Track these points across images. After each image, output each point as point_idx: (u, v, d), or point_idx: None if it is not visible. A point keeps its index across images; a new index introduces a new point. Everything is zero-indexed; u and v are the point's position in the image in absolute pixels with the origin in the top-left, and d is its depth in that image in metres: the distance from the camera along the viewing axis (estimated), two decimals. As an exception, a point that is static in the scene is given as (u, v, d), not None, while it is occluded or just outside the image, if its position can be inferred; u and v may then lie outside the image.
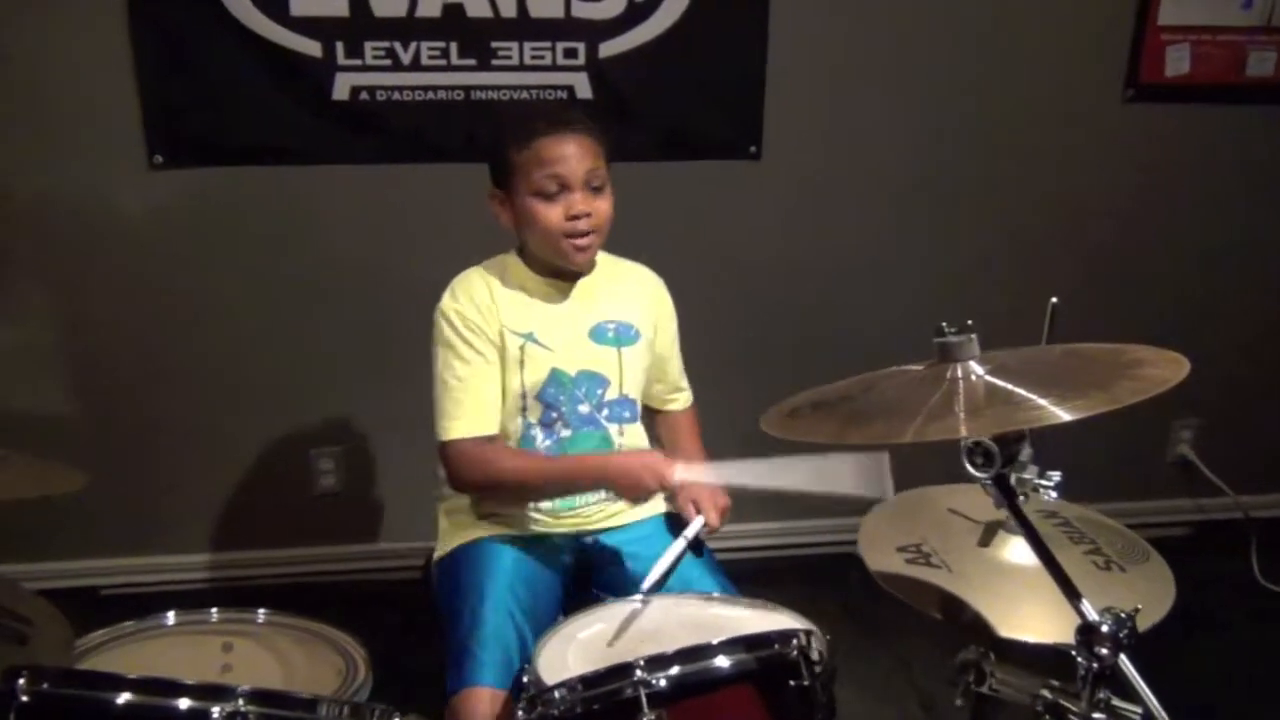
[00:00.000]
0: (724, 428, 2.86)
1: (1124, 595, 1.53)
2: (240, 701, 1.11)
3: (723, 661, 1.24)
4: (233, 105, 2.58)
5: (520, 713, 1.27)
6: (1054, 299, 1.57)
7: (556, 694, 1.24)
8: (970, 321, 1.27)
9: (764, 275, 2.88)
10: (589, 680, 1.24)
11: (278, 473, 2.88)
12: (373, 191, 2.69)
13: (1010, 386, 1.24)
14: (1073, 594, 1.26)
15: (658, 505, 2.05)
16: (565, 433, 1.89)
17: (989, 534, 1.67)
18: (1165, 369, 1.21)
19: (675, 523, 1.94)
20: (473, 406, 1.83)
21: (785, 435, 1.28)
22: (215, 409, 2.80)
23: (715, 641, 1.25)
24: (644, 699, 1.18)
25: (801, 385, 2.96)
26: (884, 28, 2.76)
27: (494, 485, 1.89)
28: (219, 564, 2.89)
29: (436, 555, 1.98)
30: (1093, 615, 1.24)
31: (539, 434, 1.89)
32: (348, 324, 2.76)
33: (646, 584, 1.68)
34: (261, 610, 1.73)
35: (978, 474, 1.29)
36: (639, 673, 1.20)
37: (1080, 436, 2.94)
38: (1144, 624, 1.45)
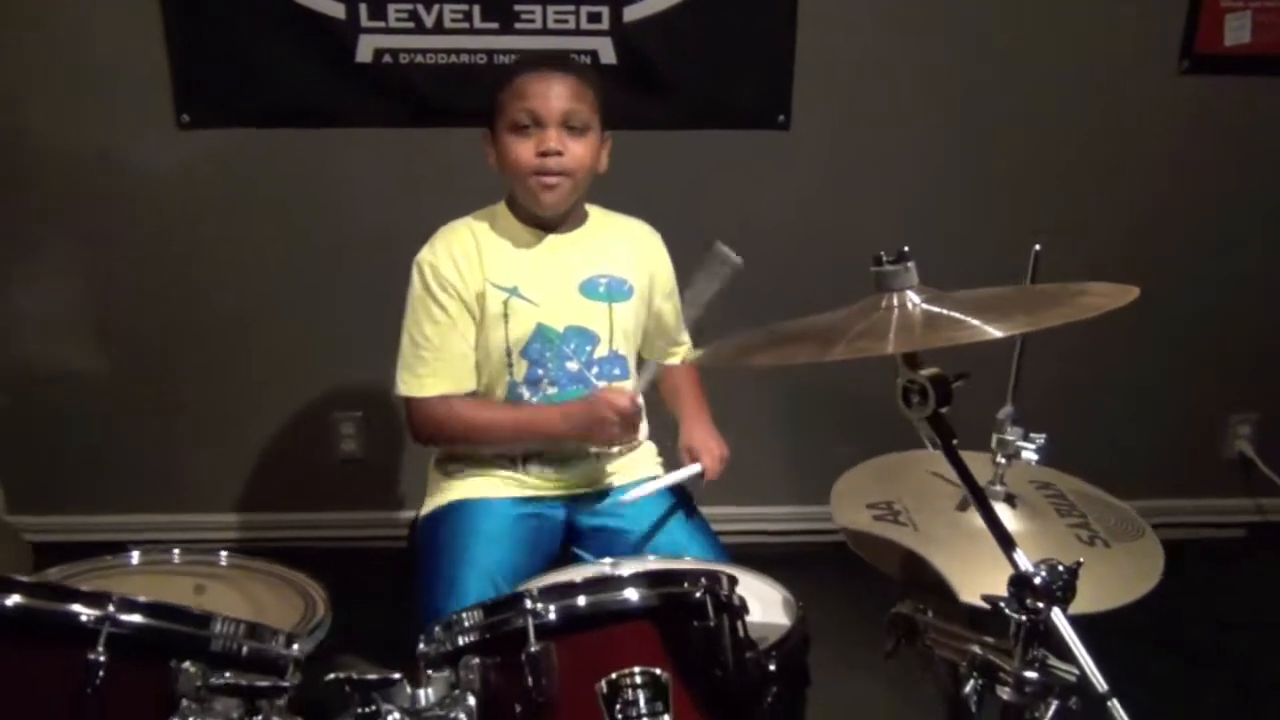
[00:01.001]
0: (751, 399, 2.85)
1: (1101, 571, 1.44)
2: (111, 607, 1.09)
3: (620, 595, 1.17)
4: (258, 66, 2.62)
5: (420, 643, 1.24)
6: (1037, 245, 1.47)
7: (451, 621, 1.20)
8: (907, 249, 1.19)
9: (793, 247, 2.80)
10: (487, 608, 1.19)
11: (299, 436, 2.91)
12: (395, 155, 2.70)
13: (945, 311, 1.16)
14: (1005, 542, 1.17)
15: (652, 467, 2.01)
16: (552, 390, 1.86)
17: (968, 500, 1.58)
18: (1106, 298, 1.11)
19: (678, 492, 1.91)
20: (440, 367, 1.83)
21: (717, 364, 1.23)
22: (238, 370, 2.84)
23: (615, 574, 1.20)
24: (532, 630, 1.13)
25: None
26: (921, -6, 2.66)
27: (455, 439, 1.89)
28: (237, 524, 2.93)
29: (422, 512, 1.96)
30: (1026, 565, 1.15)
31: (525, 391, 1.85)
32: (370, 287, 2.71)
33: (624, 497, 1.74)
34: (224, 552, 1.73)
35: (912, 413, 1.21)
36: (529, 602, 1.14)
37: (1131, 431, 2.85)
38: (1116, 601, 1.36)
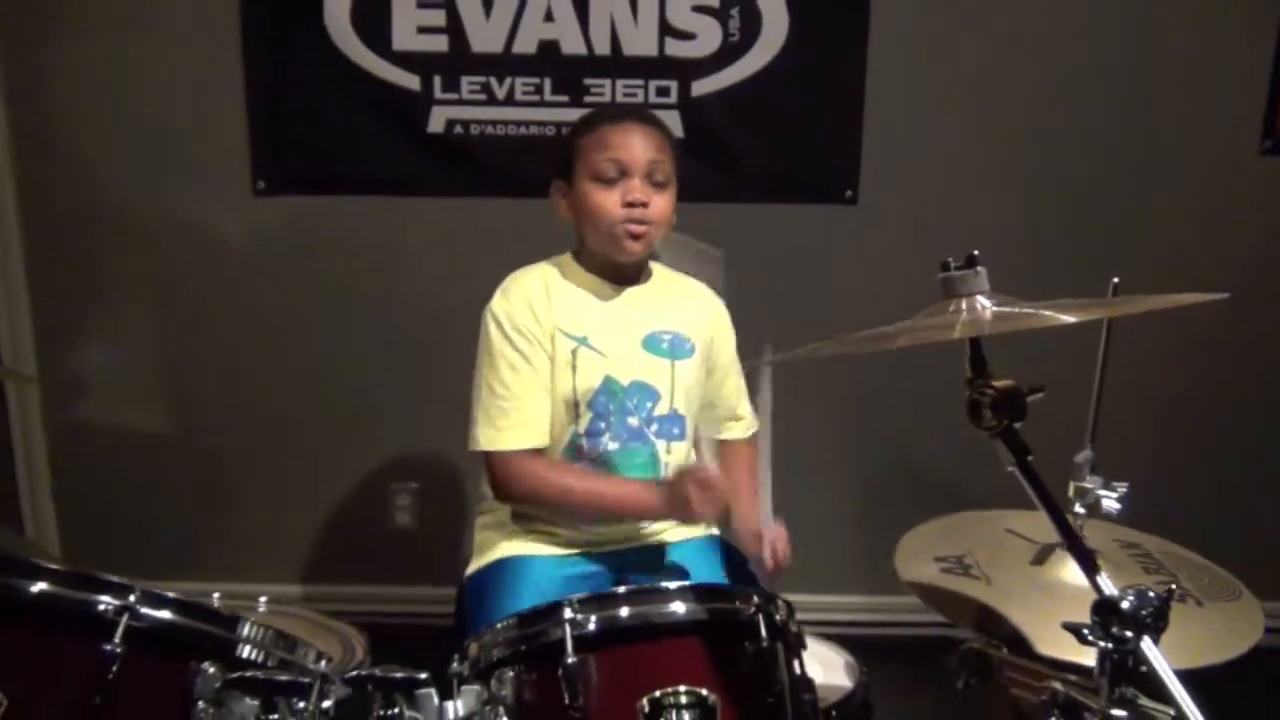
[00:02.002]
0: (818, 485, 2.75)
1: (1195, 629, 1.33)
2: (132, 598, 1.04)
3: (666, 608, 1.09)
4: (333, 135, 2.67)
5: (454, 662, 1.16)
6: (1115, 279, 1.41)
7: (485, 635, 1.13)
8: (976, 253, 1.14)
9: (860, 324, 2.73)
10: (524, 617, 1.12)
11: (354, 506, 2.88)
12: (463, 224, 2.72)
13: (1017, 309, 1.09)
14: (1088, 565, 1.07)
15: (709, 527, 1.93)
16: (612, 445, 1.79)
17: (1045, 554, 1.49)
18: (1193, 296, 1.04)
19: (727, 546, 1.83)
20: (522, 417, 1.75)
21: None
22: (296, 437, 2.84)
23: (661, 585, 1.12)
24: (570, 641, 1.05)
25: (898, 434, 2.80)
26: (994, 68, 2.65)
27: (533, 498, 1.81)
28: (288, 597, 2.87)
29: (468, 571, 1.90)
30: (1111, 590, 1.05)
31: (584, 443, 1.79)
32: (432, 357, 2.75)
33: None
34: (263, 598, 1.69)
35: (983, 429, 1.13)
36: (568, 611, 1.07)
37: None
38: (1208, 659, 1.25)
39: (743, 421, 1.99)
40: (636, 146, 1.73)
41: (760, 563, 1.72)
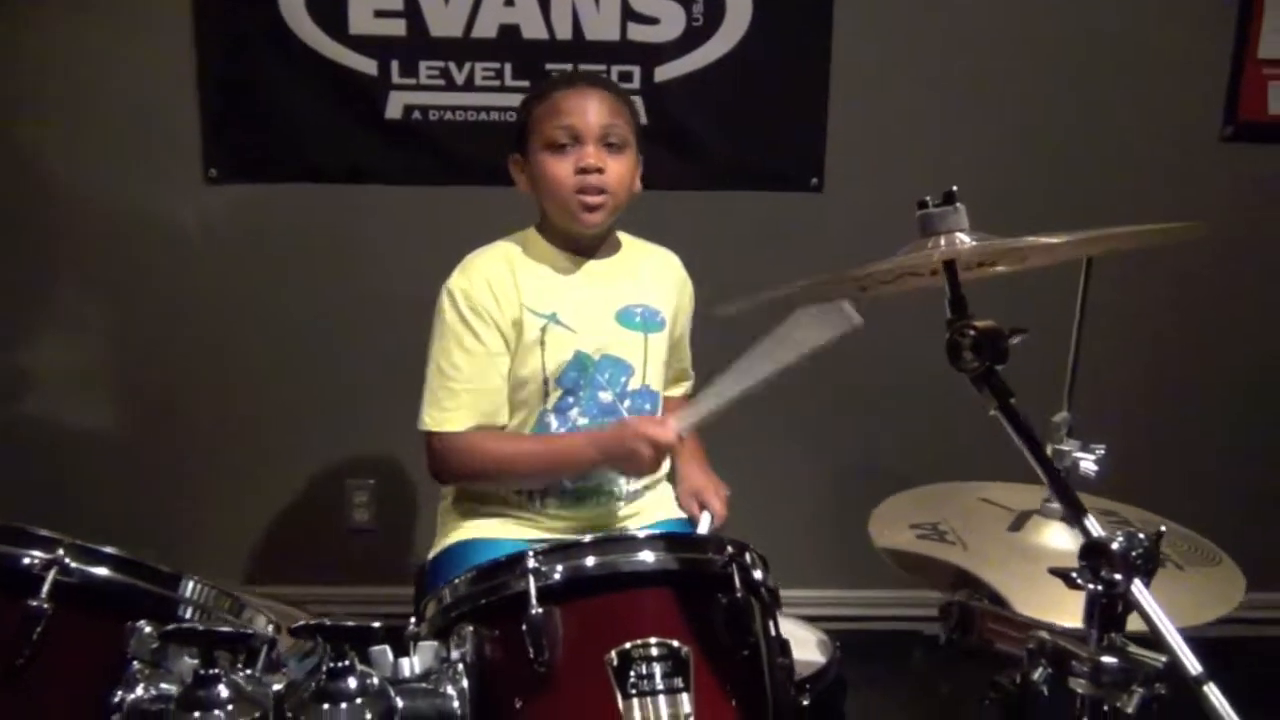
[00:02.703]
0: (786, 478, 2.71)
1: (1176, 592, 1.29)
2: (61, 552, 0.97)
3: (635, 557, 1.04)
4: (288, 122, 2.60)
5: (411, 622, 1.10)
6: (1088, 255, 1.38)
7: (445, 590, 1.06)
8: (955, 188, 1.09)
9: (825, 314, 2.71)
10: (484, 570, 1.05)
11: (310, 504, 2.79)
12: (422, 213, 2.65)
13: (998, 241, 1.06)
14: (1074, 508, 1.03)
15: (672, 508, 1.88)
16: (582, 421, 1.74)
17: (1021, 520, 1.45)
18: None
19: (691, 526, 1.77)
20: (470, 399, 1.70)
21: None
22: (248, 432, 2.75)
23: (629, 534, 1.06)
24: (534, 592, 0.99)
25: (865, 427, 2.77)
26: (958, 56, 2.64)
27: (477, 475, 1.76)
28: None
29: (430, 555, 1.83)
30: (1099, 532, 1.01)
31: (553, 420, 1.74)
32: (390, 349, 2.67)
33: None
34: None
35: (964, 371, 1.09)
36: (532, 561, 1.01)
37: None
38: (1188, 621, 1.21)
39: (689, 381, 1.99)
40: (590, 111, 1.69)
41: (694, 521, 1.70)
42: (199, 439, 2.75)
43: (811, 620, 1.69)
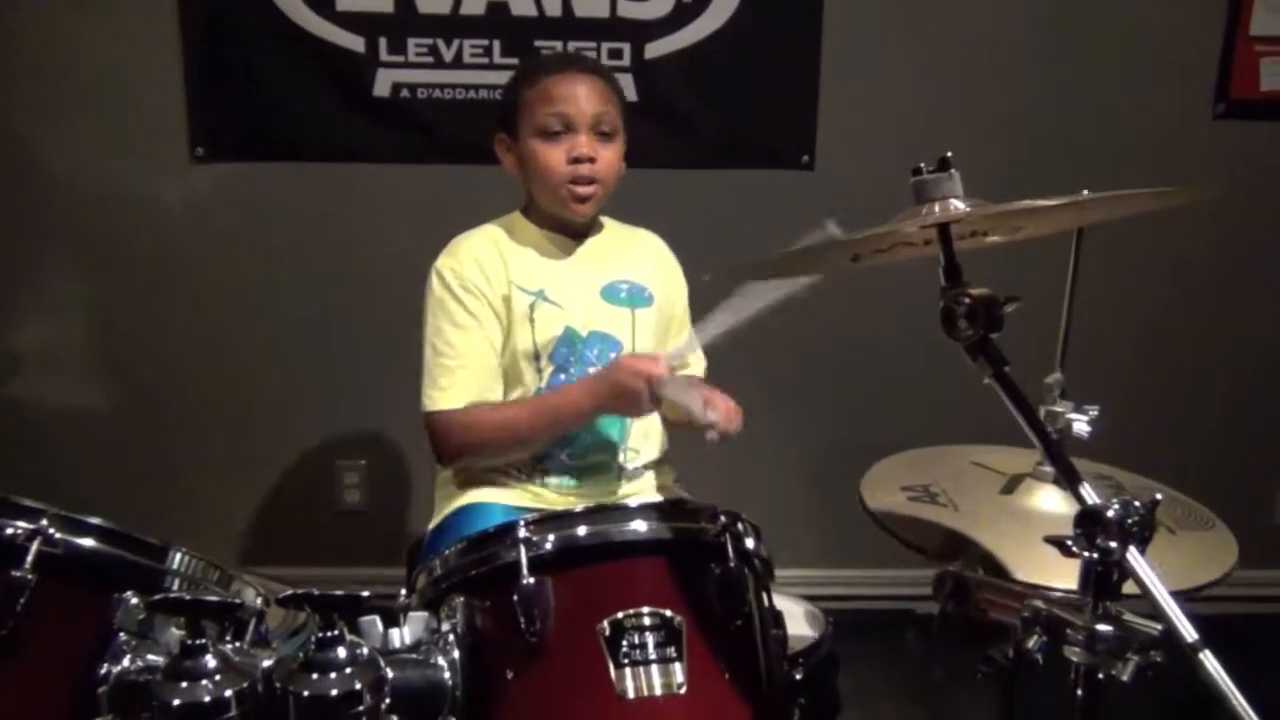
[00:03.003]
0: (780, 448, 2.70)
1: (1168, 556, 1.28)
2: (45, 522, 0.95)
3: (627, 526, 1.03)
4: (275, 100, 2.57)
5: (401, 594, 1.09)
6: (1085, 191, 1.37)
7: (435, 562, 1.05)
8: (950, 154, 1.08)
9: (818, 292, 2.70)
10: (475, 540, 1.05)
11: (300, 485, 2.77)
12: (411, 191, 2.63)
13: (994, 206, 1.05)
14: (1070, 475, 1.02)
15: (668, 480, 1.89)
16: None
17: (1014, 483, 1.45)
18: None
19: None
20: (466, 375, 1.69)
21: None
22: (238, 413, 2.73)
23: (621, 504, 1.05)
24: (525, 562, 0.98)
25: (855, 404, 2.76)
26: (950, 33, 2.62)
27: (481, 447, 1.73)
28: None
29: (429, 527, 1.83)
30: (1094, 499, 1.00)
31: None
32: (380, 329, 2.67)
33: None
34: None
35: (958, 340, 1.08)
36: (523, 531, 1.00)
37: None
38: (1181, 584, 1.21)
39: (700, 365, 1.95)
40: (581, 99, 1.68)
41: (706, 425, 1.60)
42: (188, 420, 2.73)
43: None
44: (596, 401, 1.62)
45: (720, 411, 1.56)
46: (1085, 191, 1.30)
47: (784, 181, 2.68)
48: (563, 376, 1.73)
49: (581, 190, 1.69)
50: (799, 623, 1.59)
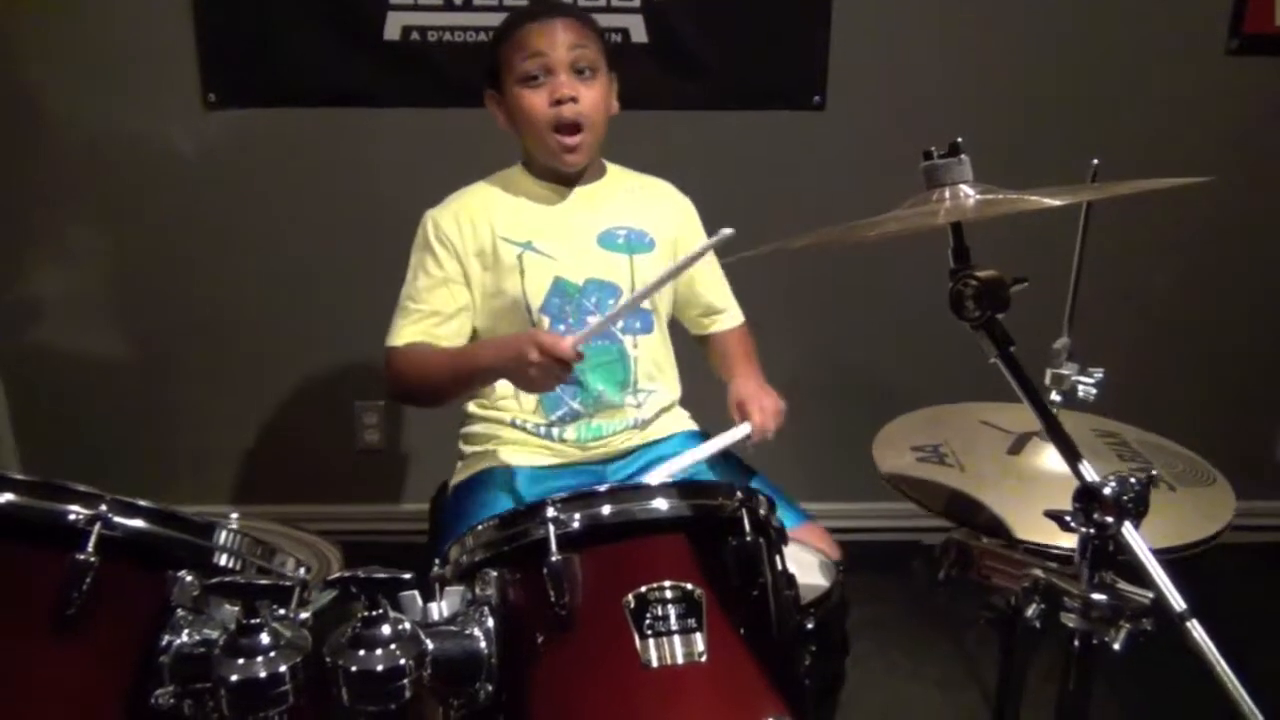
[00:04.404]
0: (790, 383, 2.73)
1: (1165, 513, 1.34)
2: (103, 507, 1.02)
3: (649, 504, 1.09)
4: (286, 45, 2.58)
5: (435, 565, 1.15)
6: (1095, 160, 1.39)
7: (468, 537, 1.11)
8: (960, 139, 1.12)
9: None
10: (505, 518, 1.11)
11: (319, 426, 2.84)
12: (423, 134, 2.65)
13: (1002, 195, 1.08)
14: (1070, 453, 1.08)
15: (684, 422, 1.94)
16: None
17: (1020, 443, 1.50)
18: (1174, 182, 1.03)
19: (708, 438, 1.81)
20: (418, 319, 1.76)
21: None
22: (256, 356, 2.79)
23: (643, 483, 1.11)
24: (553, 540, 1.04)
25: (866, 340, 2.80)
26: (962, -30, 2.60)
27: (410, 389, 1.80)
28: (251, 517, 2.84)
29: (451, 483, 1.90)
30: (1093, 476, 1.06)
31: None
32: (395, 271, 2.69)
33: (650, 476, 1.57)
34: (234, 514, 1.67)
35: (966, 320, 1.12)
36: (551, 510, 1.06)
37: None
38: (1177, 540, 1.26)
39: (724, 314, 2.00)
40: (558, 41, 1.70)
41: (744, 440, 1.71)
42: (208, 364, 2.80)
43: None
44: (496, 364, 1.62)
45: (755, 422, 1.70)
46: (1095, 161, 1.32)
47: (795, 122, 2.69)
48: (562, 327, 1.76)
49: (568, 140, 1.73)
50: (812, 572, 1.65)
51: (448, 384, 1.75)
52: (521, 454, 1.81)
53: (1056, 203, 0.99)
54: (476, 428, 1.89)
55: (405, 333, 1.75)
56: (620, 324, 1.81)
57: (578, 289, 1.78)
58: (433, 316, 1.75)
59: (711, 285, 1.97)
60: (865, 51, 2.64)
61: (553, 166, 1.78)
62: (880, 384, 2.77)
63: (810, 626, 1.45)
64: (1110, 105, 2.66)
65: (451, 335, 1.77)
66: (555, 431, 1.82)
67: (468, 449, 1.90)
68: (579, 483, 1.77)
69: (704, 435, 1.88)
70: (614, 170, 1.89)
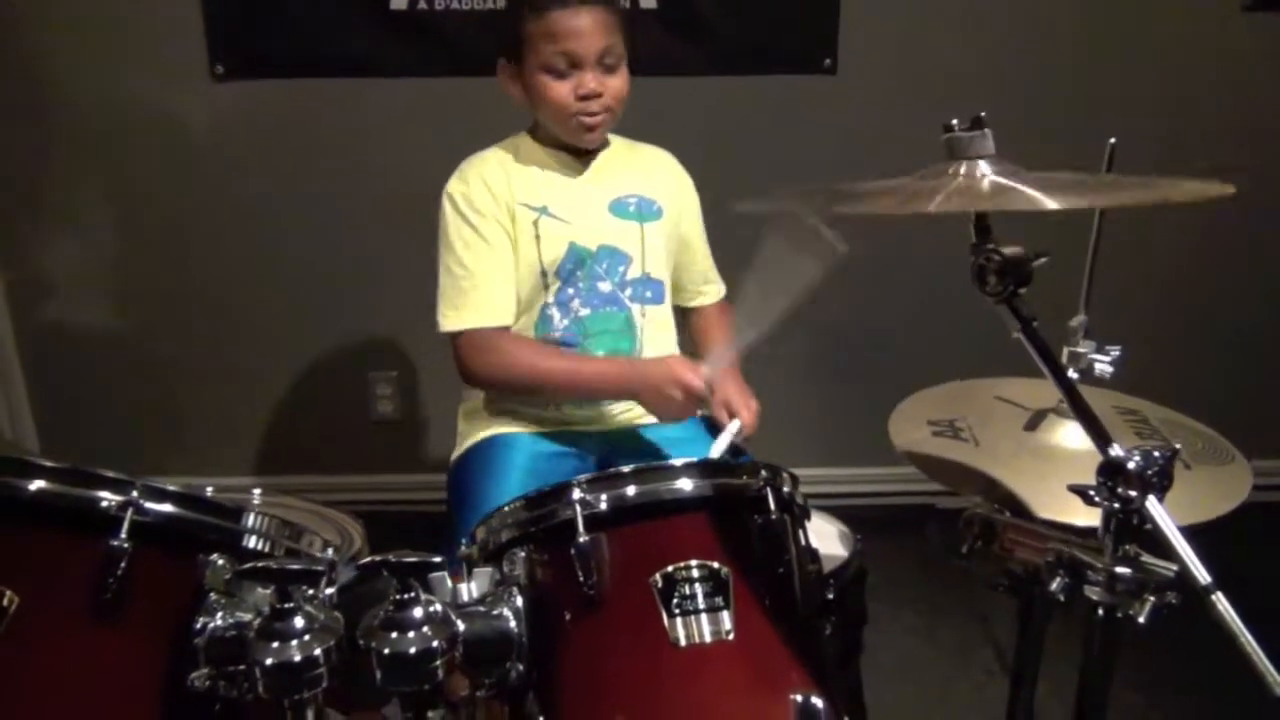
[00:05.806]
0: (803, 350, 2.75)
1: (1178, 491, 1.34)
2: (135, 493, 1.02)
3: (674, 484, 1.09)
4: (294, 16, 2.57)
5: (462, 545, 1.16)
6: (1112, 140, 1.38)
7: (495, 518, 1.12)
8: (983, 114, 1.11)
9: (838, 198, 2.71)
10: (532, 499, 1.12)
11: (333, 397, 2.86)
12: (431, 105, 2.64)
13: (1012, 183, 1.07)
14: (1095, 428, 1.08)
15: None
16: (584, 311, 1.79)
17: (1037, 419, 1.50)
18: (1195, 192, 1.03)
19: (712, 423, 1.81)
20: (481, 296, 1.74)
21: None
22: (269, 327, 2.80)
23: (668, 464, 1.12)
24: (580, 520, 1.05)
25: (873, 308, 2.79)
26: (973, -72, 2.57)
27: (507, 379, 1.79)
28: (267, 488, 2.86)
29: (453, 457, 1.90)
30: (1117, 451, 1.06)
31: (555, 313, 1.78)
32: (406, 242, 2.68)
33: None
34: (258, 490, 1.69)
35: (988, 295, 1.12)
36: (577, 492, 1.06)
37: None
38: (1196, 518, 1.26)
39: (714, 285, 2.01)
40: (586, 35, 1.67)
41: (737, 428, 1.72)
42: (223, 337, 2.81)
43: (827, 504, 1.75)
44: (632, 393, 1.71)
45: (745, 421, 1.71)
46: (1112, 140, 1.31)
47: (805, 86, 2.67)
48: (571, 291, 1.77)
49: (590, 120, 1.72)
50: (831, 542, 1.66)
51: (560, 386, 1.77)
52: (520, 422, 1.82)
53: (1051, 205, 0.99)
54: (469, 404, 1.90)
55: (472, 315, 1.73)
56: (629, 291, 1.81)
57: (591, 255, 1.78)
58: (494, 290, 1.73)
59: (706, 254, 1.98)
60: (877, 11, 2.61)
61: (567, 141, 1.78)
62: (894, 348, 2.77)
63: (831, 597, 1.46)
64: (1128, 65, 2.63)
65: (510, 308, 1.75)
66: (554, 405, 1.83)
67: (462, 424, 1.91)
68: (574, 451, 1.80)
69: (708, 418, 1.87)
70: (616, 140, 1.89)
